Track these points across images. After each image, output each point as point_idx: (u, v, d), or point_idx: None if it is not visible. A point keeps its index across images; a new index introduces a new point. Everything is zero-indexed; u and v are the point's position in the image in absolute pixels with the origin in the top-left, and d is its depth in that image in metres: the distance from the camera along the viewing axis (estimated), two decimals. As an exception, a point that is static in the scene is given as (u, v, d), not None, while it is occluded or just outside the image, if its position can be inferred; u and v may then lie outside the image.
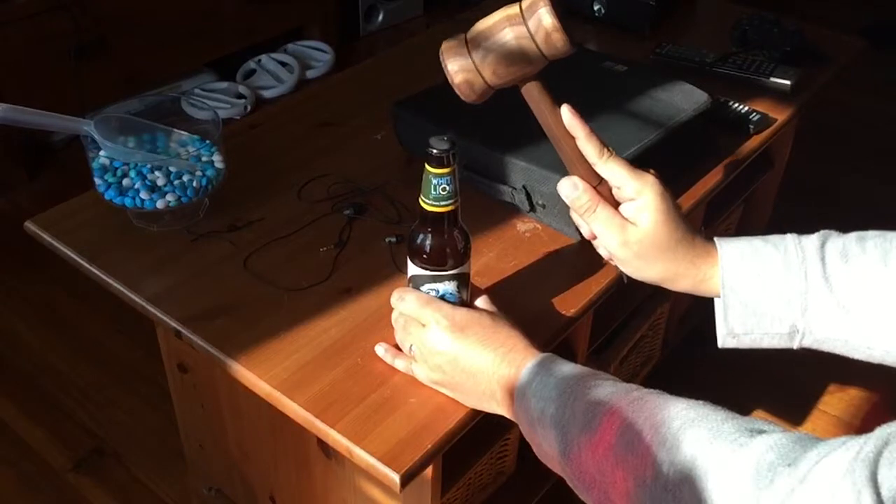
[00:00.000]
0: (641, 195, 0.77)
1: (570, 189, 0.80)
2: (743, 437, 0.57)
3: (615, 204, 0.80)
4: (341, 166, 1.20)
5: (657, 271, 0.79)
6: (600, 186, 0.80)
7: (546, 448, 0.71)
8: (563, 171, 1.03)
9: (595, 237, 0.82)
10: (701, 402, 0.63)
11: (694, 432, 0.59)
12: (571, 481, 0.69)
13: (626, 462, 0.61)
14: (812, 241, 0.77)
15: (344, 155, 1.24)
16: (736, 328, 0.78)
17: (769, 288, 0.76)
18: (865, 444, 0.49)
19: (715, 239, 0.80)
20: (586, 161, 0.79)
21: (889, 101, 2.74)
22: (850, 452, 0.49)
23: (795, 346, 0.79)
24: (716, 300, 0.80)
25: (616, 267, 0.85)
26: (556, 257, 1.04)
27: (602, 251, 0.84)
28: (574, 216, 0.83)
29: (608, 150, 0.79)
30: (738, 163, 1.24)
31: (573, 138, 0.79)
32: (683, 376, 1.62)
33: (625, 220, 0.78)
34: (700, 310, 1.65)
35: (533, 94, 0.80)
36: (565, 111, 0.79)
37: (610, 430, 0.64)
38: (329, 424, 0.82)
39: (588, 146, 0.79)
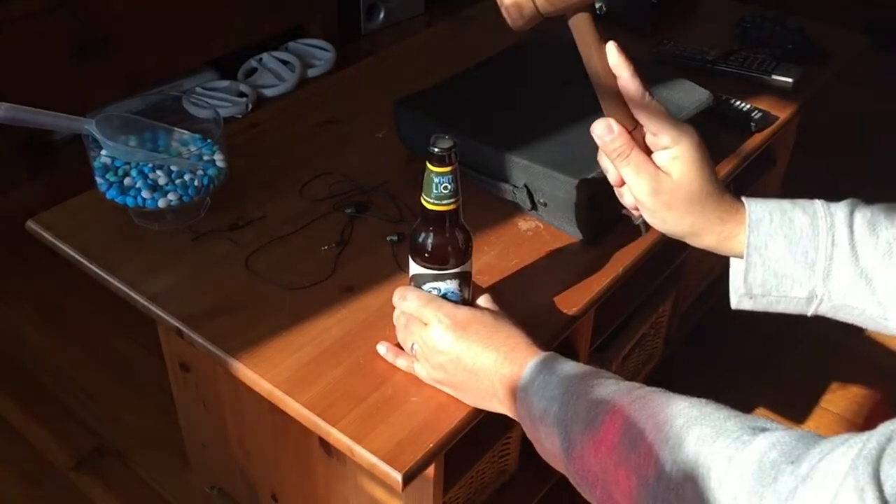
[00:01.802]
0: (678, 144, 0.74)
1: (605, 131, 0.75)
2: (746, 435, 0.57)
3: (647, 152, 0.77)
4: (343, 165, 1.20)
5: (684, 224, 0.77)
6: (634, 132, 0.76)
7: (549, 447, 0.71)
8: (565, 170, 1.04)
9: (622, 184, 0.78)
10: (703, 400, 0.63)
11: (697, 430, 0.59)
12: (574, 480, 0.69)
13: (628, 460, 0.61)
14: (841, 207, 0.76)
15: (345, 153, 1.24)
16: (755, 289, 0.77)
17: (794, 250, 0.75)
18: (868, 442, 0.48)
19: (743, 198, 0.78)
20: (624, 104, 0.76)
21: (891, 99, 2.74)
22: (853, 450, 0.49)
23: (810, 312, 0.78)
24: (732, 261, 0.79)
25: (635, 219, 0.82)
26: (557, 256, 1.04)
27: (627, 199, 0.80)
28: (603, 160, 0.79)
29: (650, 93, 0.75)
30: (739, 161, 1.24)
31: (615, 78, 0.75)
32: (685, 375, 1.62)
33: (657, 169, 0.75)
34: (701, 308, 1.65)
35: (581, 26, 0.76)
36: (611, 48, 0.75)
37: (613, 429, 0.64)
38: (331, 423, 0.82)
39: (631, 86, 0.75)
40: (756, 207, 0.76)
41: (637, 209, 0.80)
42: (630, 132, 0.76)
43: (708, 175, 0.75)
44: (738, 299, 0.79)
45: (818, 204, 0.77)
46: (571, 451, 0.67)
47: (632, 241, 1.06)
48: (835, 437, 0.52)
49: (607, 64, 0.75)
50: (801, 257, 0.75)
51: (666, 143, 0.75)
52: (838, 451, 0.50)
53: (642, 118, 0.75)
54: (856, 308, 0.75)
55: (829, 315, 0.78)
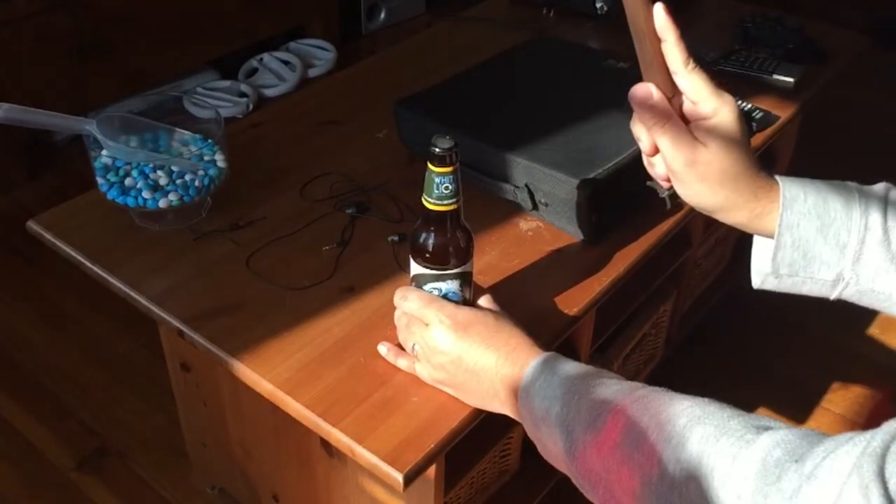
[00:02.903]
0: (718, 114, 0.72)
1: (645, 96, 0.72)
2: (749, 433, 0.56)
3: (684, 121, 0.74)
4: (343, 165, 1.20)
5: (717, 199, 0.74)
6: (672, 99, 0.74)
7: (550, 447, 0.71)
8: (566, 170, 1.04)
9: (654, 153, 0.76)
10: (706, 399, 0.63)
11: (700, 429, 0.59)
12: (577, 480, 0.68)
13: (631, 460, 0.61)
14: (875, 191, 0.74)
15: (346, 154, 1.24)
16: (782, 269, 0.75)
17: (827, 232, 0.73)
18: (873, 440, 0.48)
19: (776, 176, 0.75)
20: (666, 69, 0.73)
21: (892, 98, 2.74)
22: (858, 448, 0.49)
23: (834, 295, 0.76)
24: (757, 240, 0.78)
25: (661, 191, 0.80)
26: (558, 256, 1.04)
27: (658, 169, 0.77)
28: (636, 128, 0.76)
29: (694, 59, 0.73)
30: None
31: (659, 41, 0.72)
32: (686, 375, 1.62)
33: (695, 139, 0.73)
34: (702, 308, 1.65)
35: None
36: (659, 9, 0.72)
37: (615, 429, 0.63)
38: (332, 424, 0.82)
39: (675, 51, 0.72)
40: (790, 186, 0.74)
41: (667, 180, 0.77)
42: (669, 99, 0.73)
43: (745, 149, 0.73)
44: (763, 279, 0.77)
45: (852, 186, 0.75)
46: (574, 451, 0.67)
47: (633, 242, 1.06)
48: (839, 436, 0.52)
49: (653, 25, 0.72)
50: (832, 239, 0.73)
51: (705, 113, 0.72)
52: (843, 450, 0.50)
53: (684, 85, 0.73)
54: (882, 293, 0.73)
55: (852, 299, 0.76)
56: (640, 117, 0.74)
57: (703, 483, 0.56)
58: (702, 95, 0.72)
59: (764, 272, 0.76)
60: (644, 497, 0.60)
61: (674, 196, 0.79)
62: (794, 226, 0.73)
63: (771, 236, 0.74)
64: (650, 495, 0.59)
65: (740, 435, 0.57)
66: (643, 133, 0.75)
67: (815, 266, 0.74)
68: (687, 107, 0.74)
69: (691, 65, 0.72)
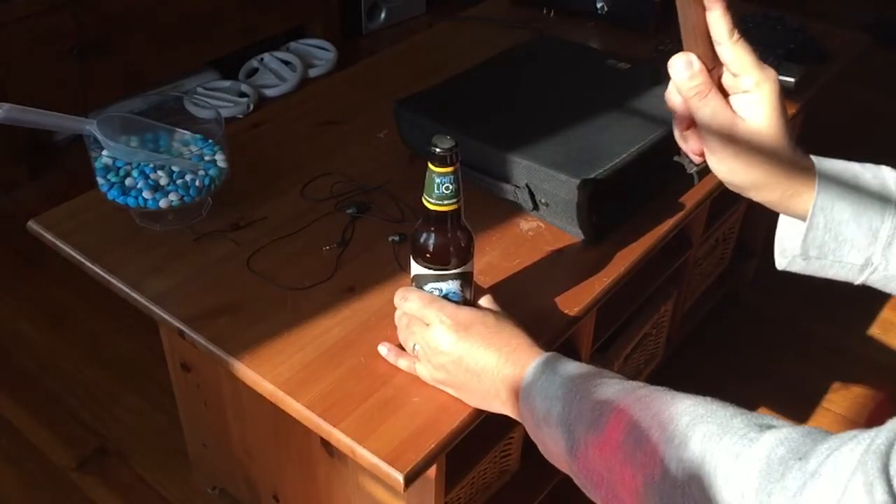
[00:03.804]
0: (760, 88, 0.69)
1: (685, 66, 0.70)
2: (752, 432, 0.56)
3: (723, 94, 0.72)
4: (344, 165, 1.20)
5: (751, 175, 0.72)
6: (712, 71, 0.71)
7: (552, 447, 0.71)
8: (566, 170, 1.04)
9: (688, 127, 0.74)
10: (708, 398, 0.63)
11: (703, 428, 0.58)
12: (579, 480, 0.68)
13: (634, 459, 0.61)
14: None
15: (347, 154, 1.24)
16: (811, 251, 0.73)
17: (860, 215, 0.72)
18: (877, 437, 0.48)
19: (812, 156, 0.74)
20: (709, 39, 0.70)
21: (893, 98, 2.74)
22: (862, 445, 0.49)
23: (859, 280, 0.75)
24: (782, 220, 0.76)
25: (689, 167, 0.79)
26: (559, 256, 1.04)
27: (691, 144, 0.75)
28: (672, 99, 0.74)
29: (739, 31, 0.70)
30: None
31: (704, 10, 0.70)
32: (686, 374, 1.62)
33: (734, 114, 0.70)
34: (702, 308, 1.65)
35: None
36: None
37: (617, 428, 0.63)
38: (332, 424, 0.82)
39: (721, 21, 0.69)
40: (826, 167, 0.72)
41: (700, 155, 0.75)
42: (708, 70, 0.71)
43: (785, 126, 0.71)
44: (790, 261, 0.75)
45: (885, 170, 0.74)
46: (576, 451, 0.67)
47: (633, 242, 1.06)
48: (843, 434, 0.52)
49: None
50: (865, 223, 0.71)
51: (747, 87, 0.70)
52: (847, 447, 0.50)
53: (727, 57, 0.70)
54: None
55: (877, 285, 0.75)
56: (678, 88, 0.71)
57: (707, 482, 0.56)
58: (745, 68, 0.69)
59: (792, 253, 0.75)
60: (647, 496, 0.60)
61: (702, 172, 0.77)
62: (828, 208, 0.71)
63: (800, 217, 0.73)
64: (653, 494, 0.59)
65: (743, 433, 0.56)
66: (679, 105, 0.73)
67: (844, 249, 0.72)
68: (727, 79, 0.71)
69: (736, 35, 0.69)
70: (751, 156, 0.70)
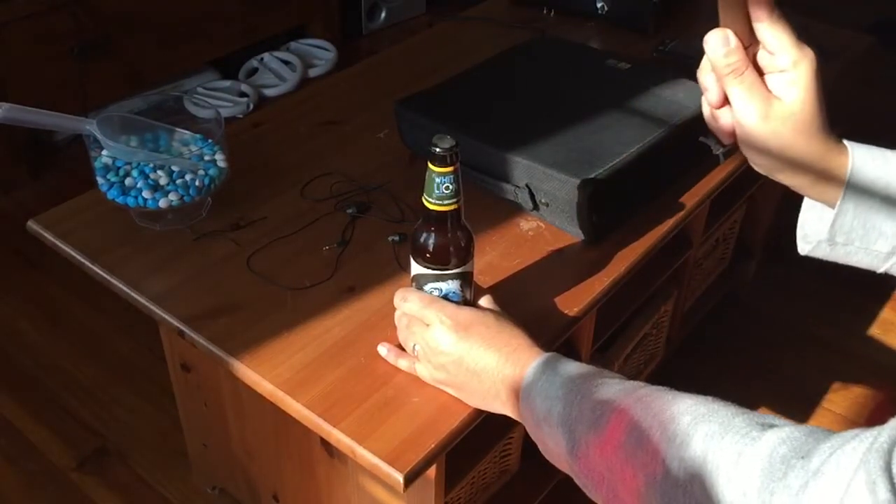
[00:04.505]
0: (797, 68, 0.68)
1: (721, 43, 0.68)
2: (754, 430, 0.56)
3: (759, 73, 0.70)
4: (344, 165, 1.20)
5: (785, 157, 0.70)
6: (748, 49, 0.70)
7: (552, 447, 0.71)
8: (566, 170, 1.03)
9: (721, 105, 0.72)
10: (709, 397, 0.62)
11: (704, 427, 0.58)
12: (580, 480, 0.68)
13: (635, 459, 0.61)
14: None
15: (347, 154, 1.24)
16: (838, 237, 0.72)
17: (890, 202, 0.70)
18: (879, 436, 0.48)
19: (845, 141, 0.73)
20: (747, 16, 0.69)
21: (894, 99, 2.73)
22: (864, 444, 0.49)
23: (883, 268, 0.74)
24: (807, 205, 0.75)
25: (716, 148, 0.78)
26: (559, 256, 1.04)
27: (723, 123, 0.72)
28: (705, 77, 0.72)
29: (779, 9, 0.69)
30: (742, 160, 1.23)
31: None
32: (687, 374, 1.62)
33: (770, 93, 0.69)
34: (702, 308, 1.65)
35: None
36: None
37: (618, 428, 0.63)
38: (332, 424, 0.82)
39: None
40: (859, 152, 0.71)
41: (731, 135, 0.73)
42: (744, 48, 0.69)
43: (821, 108, 0.69)
44: (815, 246, 0.74)
45: None
46: (576, 451, 0.67)
47: (633, 242, 1.06)
48: (845, 432, 0.52)
49: None
50: (894, 210, 0.70)
51: (783, 66, 0.68)
52: (849, 446, 0.50)
53: (765, 35, 0.69)
54: None
55: None
56: (714, 65, 0.69)
57: (709, 481, 0.55)
58: (783, 47, 0.68)
59: (817, 239, 0.73)
60: (648, 496, 0.60)
61: (728, 153, 0.75)
62: (859, 194, 0.70)
63: (828, 202, 0.71)
64: (654, 494, 0.59)
65: (745, 432, 0.56)
66: (712, 82, 0.71)
67: (872, 236, 0.71)
68: (762, 58, 0.70)
69: (777, 13, 0.68)
70: (785, 136, 0.69)
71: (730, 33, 0.68)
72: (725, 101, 0.70)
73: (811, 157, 0.70)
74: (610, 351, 1.28)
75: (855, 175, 0.70)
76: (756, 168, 0.73)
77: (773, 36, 0.68)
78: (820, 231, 0.73)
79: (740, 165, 1.24)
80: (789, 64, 0.68)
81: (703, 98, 0.72)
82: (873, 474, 0.46)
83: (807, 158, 0.70)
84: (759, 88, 0.68)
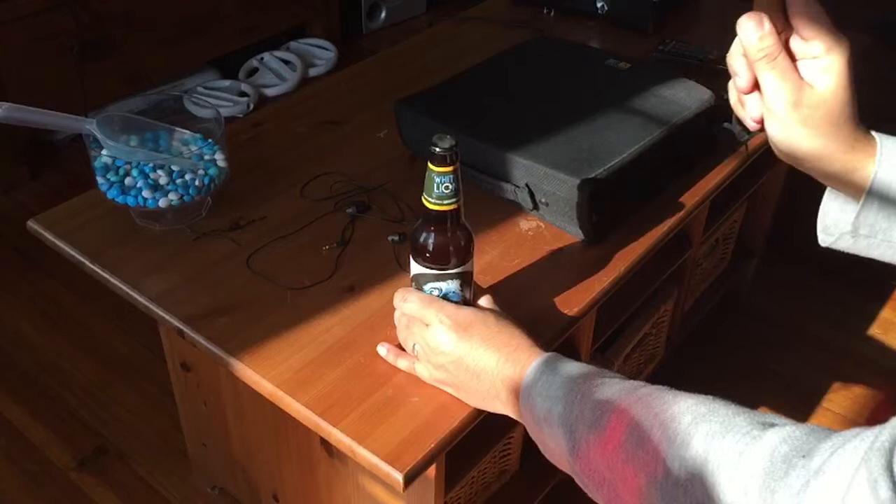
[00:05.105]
0: (830, 55, 0.67)
1: (756, 27, 0.66)
2: (755, 430, 0.56)
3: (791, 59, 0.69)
4: (344, 165, 1.20)
5: (813, 145, 0.69)
6: (780, 35, 0.68)
7: (553, 447, 0.71)
8: (566, 170, 1.03)
9: (750, 91, 0.70)
10: (710, 397, 0.62)
11: (705, 427, 0.58)
12: (580, 479, 0.68)
13: (636, 459, 0.61)
14: None
15: (347, 153, 1.24)
16: (862, 229, 0.71)
17: None
18: (880, 434, 0.48)
19: (873, 132, 0.71)
20: (782, 1, 0.68)
21: (895, 98, 2.73)
22: (865, 443, 0.49)
23: None
24: (829, 196, 0.74)
25: (740, 135, 0.76)
26: (559, 255, 1.04)
27: (751, 109, 0.71)
28: (736, 62, 0.71)
29: None
30: (741, 160, 1.24)
31: None
32: (687, 374, 1.61)
33: (802, 79, 0.68)
34: (702, 308, 1.65)
35: None
36: None
37: (619, 428, 0.63)
38: (332, 423, 0.82)
39: None
40: (888, 144, 0.70)
41: (759, 122, 0.72)
42: (778, 33, 0.68)
43: (852, 96, 0.68)
44: (837, 238, 0.73)
45: None
46: (577, 451, 0.67)
47: (633, 241, 1.06)
48: (846, 431, 0.52)
49: None
50: None
51: (817, 53, 0.67)
52: (850, 445, 0.50)
53: (800, 20, 0.67)
54: None
55: None
56: (747, 49, 0.68)
57: (710, 480, 0.55)
58: (818, 33, 0.67)
59: (840, 231, 0.73)
60: (649, 495, 0.60)
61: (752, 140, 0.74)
62: (886, 185, 0.69)
63: (853, 193, 0.71)
64: (655, 493, 0.59)
65: (746, 431, 0.56)
66: (742, 67, 0.70)
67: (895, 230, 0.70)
68: (795, 44, 0.69)
69: None
70: (815, 125, 0.68)
71: (764, 17, 0.67)
72: (754, 86, 0.69)
73: (840, 147, 0.69)
74: (610, 351, 1.28)
75: (882, 168, 0.69)
76: (781, 157, 0.72)
77: (809, 22, 0.67)
78: (842, 223, 0.72)
79: (740, 165, 1.24)
80: (823, 51, 0.67)
81: (731, 83, 0.71)
82: (875, 473, 0.46)
83: (836, 148, 0.69)
84: (791, 74, 0.67)
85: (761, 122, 0.71)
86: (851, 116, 0.68)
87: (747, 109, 0.71)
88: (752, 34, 0.67)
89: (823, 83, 0.67)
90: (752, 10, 0.68)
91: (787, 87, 0.67)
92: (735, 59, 0.70)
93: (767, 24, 0.67)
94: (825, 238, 0.74)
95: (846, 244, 0.73)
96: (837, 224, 0.73)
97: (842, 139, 0.69)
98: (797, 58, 0.68)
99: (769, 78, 0.68)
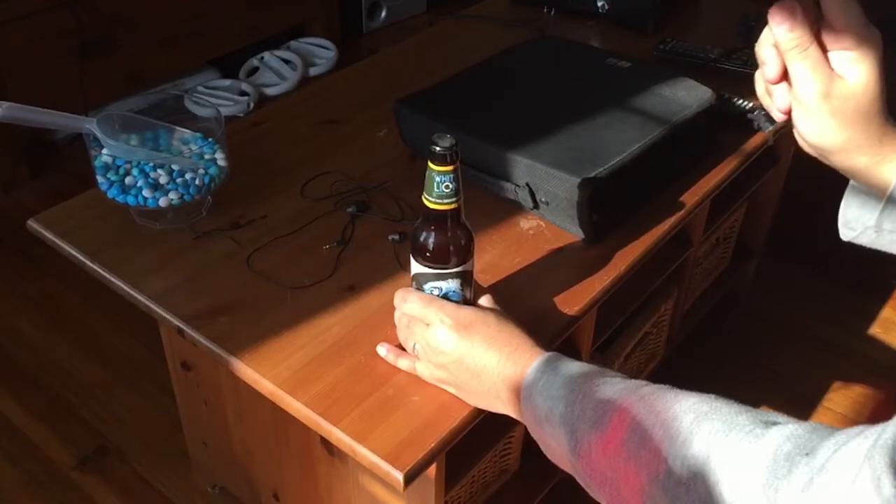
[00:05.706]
0: (861, 47, 0.67)
1: (787, 16, 0.66)
2: (758, 428, 0.56)
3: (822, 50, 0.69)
4: (344, 164, 1.20)
5: (841, 137, 0.68)
6: (812, 25, 0.68)
7: (554, 447, 0.71)
8: (567, 169, 1.03)
9: (779, 81, 0.70)
10: (712, 395, 0.62)
11: (708, 425, 0.58)
12: (582, 479, 0.68)
13: (638, 458, 0.61)
14: None
15: (347, 152, 1.24)
16: (885, 223, 0.71)
17: None
18: (884, 432, 0.48)
19: None
20: None
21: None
22: (868, 440, 0.49)
23: None
24: (851, 191, 0.74)
25: (764, 125, 0.75)
26: (559, 255, 1.04)
27: (778, 99, 0.71)
28: (764, 51, 0.70)
29: None
30: (742, 159, 1.23)
31: None
32: (687, 374, 1.61)
33: (832, 71, 0.67)
34: (702, 308, 1.65)
35: None
36: None
37: (621, 427, 0.63)
38: (332, 423, 0.82)
39: None
40: None
41: (785, 112, 0.71)
42: (810, 24, 0.67)
43: (882, 89, 0.67)
44: (860, 232, 0.73)
45: None
46: (578, 451, 0.67)
47: (633, 241, 1.06)
48: (849, 429, 0.52)
49: None
50: None
51: (848, 45, 0.67)
52: (853, 442, 0.50)
53: (832, 10, 0.66)
54: None
55: None
56: (778, 39, 0.67)
57: (712, 479, 0.55)
58: (850, 24, 0.66)
59: (863, 225, 0.72)
60: (652, 494, 0.60)
61: (774, 131, 0.73)
62: None
63: (878, 187, 0.70)
64: (658, 492, 0.59)
65: (749, 430, 0.56)
66: (772, 57, 0.69)
67: None
68: (826, 35, 0.68)
69: None
70: (844, 117, 0.67)
71: (797, 7, 0.66)
72: (783, 76, 0.69)
73: (868, 141, 0.68)
74: (610, 350, 1.28)
75: None
76: (806, 149, 0.71)
77: (841, 13, 0.66)
78: (865, 218, 0.72)
79: (740, 165, 1.24)
80: (854, 43, 0.66)
81: (758, 73, 0.71)
82: (878, 471, 0.46)
83: (864, 141, 0.68)
84: (822, 66, 0.67)
85: (788, 112, 0.70)
86: (881, 109, 0.68)
87: (775, 100, 0.71)
88: (783, 24, 0.66)
89: (854, 75, 0.66)
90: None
91: (817, 79, 0.66)
92: (764, 48, 0.69)
93: (801, 14, 0.66)
94: (847, 233, 0.74)
95: (869, 239, 0.72)
96: (860, 219, 0.72)
97: (871, 132, 0.68)
98: (828, 49, 0.67)
99: (800, 69, 0.67)
